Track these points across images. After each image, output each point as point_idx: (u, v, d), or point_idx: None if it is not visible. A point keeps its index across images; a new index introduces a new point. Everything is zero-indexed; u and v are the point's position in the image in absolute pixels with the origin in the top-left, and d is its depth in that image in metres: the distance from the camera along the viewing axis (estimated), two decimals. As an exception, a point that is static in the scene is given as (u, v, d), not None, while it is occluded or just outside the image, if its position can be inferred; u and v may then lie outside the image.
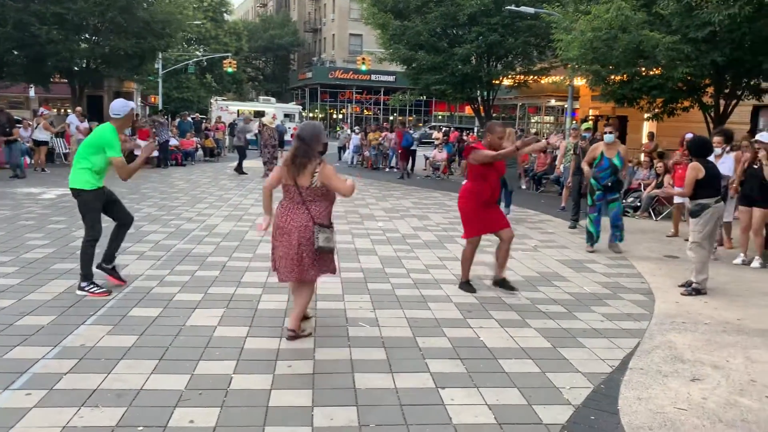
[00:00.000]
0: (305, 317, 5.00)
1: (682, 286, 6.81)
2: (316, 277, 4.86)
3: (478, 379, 4.17)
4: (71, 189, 5.94)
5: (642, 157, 14.96)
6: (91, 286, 5.83)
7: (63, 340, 4.61)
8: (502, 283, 6.54)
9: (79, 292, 5.80)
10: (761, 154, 8.16)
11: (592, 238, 8.92)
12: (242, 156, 19.55)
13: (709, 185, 6.63)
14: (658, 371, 4.45)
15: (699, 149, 6.78)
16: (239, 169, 19.05)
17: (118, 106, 5.98)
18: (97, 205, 5.97)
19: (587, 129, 11.88)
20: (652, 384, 4.22)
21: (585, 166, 9.26)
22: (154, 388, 3.89)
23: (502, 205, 13.16)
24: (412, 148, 22.53)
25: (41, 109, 18.13)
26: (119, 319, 5.15)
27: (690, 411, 3.83)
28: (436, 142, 23.87)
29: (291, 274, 4.75)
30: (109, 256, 6.20)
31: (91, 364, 4.21)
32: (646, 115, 16.35)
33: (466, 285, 6.51)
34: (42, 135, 17.88)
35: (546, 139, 8.00)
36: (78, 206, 6.02)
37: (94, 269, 6.01)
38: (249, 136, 22.55)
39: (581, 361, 4.59)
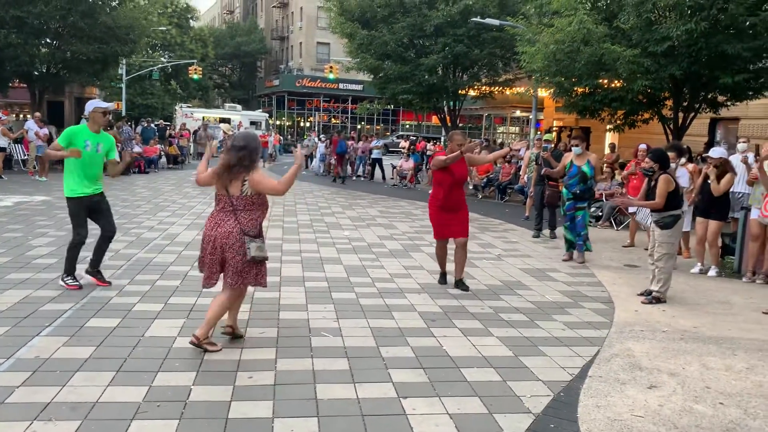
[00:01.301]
0: (236, 335, 4.94)
1: (642, 294, 6.94)
2: (237, 285, 4.70)
3: (440, 389, 4.19)
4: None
5: (604, 167, 15.23)
6: (69, 278, 6.17)
7: (16, 352, 4.48)
8: (457, 283, 6.98)
9: (60, 282, 6.22)
10: (709, 169, 8.39)
11: (572, 246, 9.03)
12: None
13: (678, 196, 6.81)
14: (616, 379, 4.52)
15: (666, 161, 6.91)
16: None
17: (86, 106, 6.27)
18: (80, 212, 6.19)
19: (547, 140, 12.07)
20: (610, 392, 4.29)
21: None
22: (111, 400, 3.81)
23: None
24: (378, 157, 22.62)
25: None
26: (76, 329, 5.03)
27: (647, 418, 3.90)
28: (403, 152, 23.99)
29: (208, 281, 4.74)
30: (94, 262, 6.43)
31: (45, 376, 4.10)
32: (607, 127, 16.68)
33: (441, 277, 7.18)
34: (0, 141, 17.41)
35: (510, 145, 8.26)
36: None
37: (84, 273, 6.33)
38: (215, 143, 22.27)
39: (542, 370, 4.63)
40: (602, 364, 4.83)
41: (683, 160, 9.14)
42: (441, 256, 7.19)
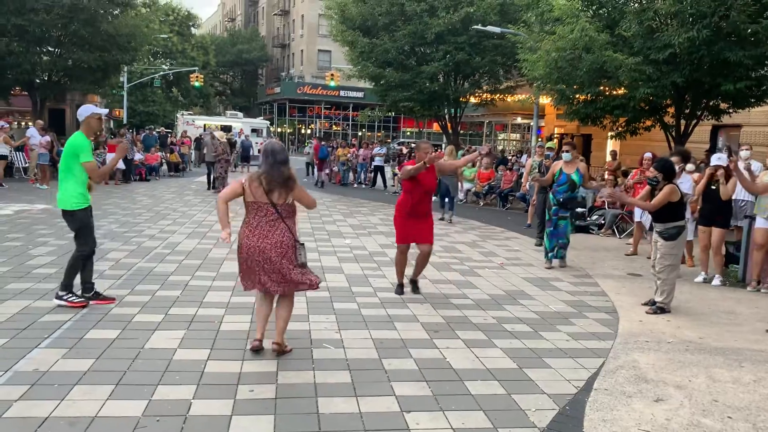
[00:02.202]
0: (283, 350, 4.88)
1: (646, 304, 6.88)
2: (306, 287, 4.90)
3: (444, 402, 4.13)
4: (63, 210, 6.00)
5: (606, 175, 15.19)
6: (70, 295, 5.92)
7: (15, 365, 4.43)
8: (411, 282, 7.13)
9: (55, 301, 5.89)
10: (719, 172, 8.33)
11: (548, 255, 9.01)
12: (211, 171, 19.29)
13: (683, 207, 6.77)
14: (622, 392, 4.46)
15: (672, 172, 6.84)
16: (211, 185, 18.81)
17: (79, 111, 6.10)
18: (90, 221, 6.11)
19: (550, 148, 12.05)
20: (616, 405, 4.23)
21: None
22: (110, 415, 3.75)
23: (446, 209, 13.86)
24: (379, 164, 22.59)
25: (1, 122, 17.61)
26: (75, 341, 4.97)
27: (654, 432, 3.84)
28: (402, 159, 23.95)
29: (279, 286, 4.81)
30: (87, 285, 6.13)
31: (43, 390, 4.05)
32: (609, 134, 16.65)
33: (398, 288, 7.09)
34: (1, 149, 17.39)
35: (479, 150, 8.40)
36: (69, 225, 6.10)
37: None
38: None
39: (547, 382, 4.57)
40: (607, 376, 4.77)
41: (690, 166, 9.08)
42: (400, 263, 7.10)
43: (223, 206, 4.89)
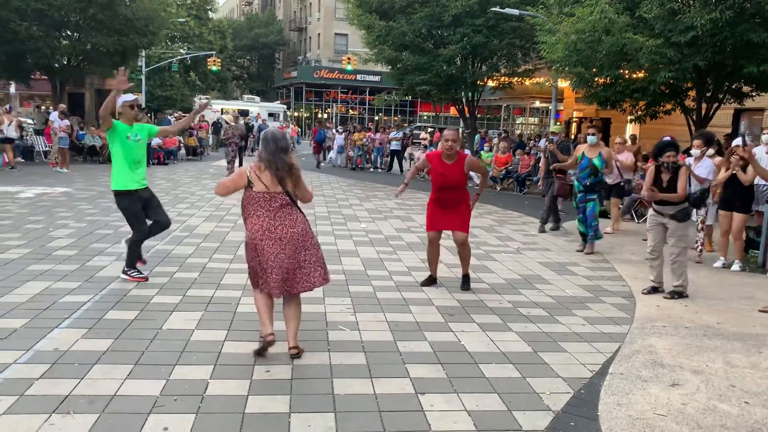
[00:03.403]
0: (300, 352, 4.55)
1: (648, 293, 6.79)
2: (328, 278, 4.70)
3: (459, 385, 4.14)
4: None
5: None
6: (133, 270, 6.28)
7: (36, 344, 4.51)
8: (463, 278, 6.69)
9: (121, 275, 6.32)
10: (734, 158, 8.22)
11: (584, 238, 8.99)
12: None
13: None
14: (638, 376, 4.44)
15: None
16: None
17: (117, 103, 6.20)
18: (134, 207, 6.20)
19: (554, 132, 11.95)
20: (632, 389, 4.21)
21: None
22: (128, 393, 3.81)
23: None
24: (396, 148, 22.54)
25: (8, 106, 17.71)
26: (94, 322, 5.05)
27: (670, 417, 3.82)
28: (424, 143, 23.89)
29: (284, 285, 4.47)
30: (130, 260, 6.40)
31: (63, 369, 4.12)
32: (629, 118, 16.44)
33: (427, 279, 6.75)
34: (11, 133, 17.53)
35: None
36: (121, 210, 6.36)
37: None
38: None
39: (562, 366, 4.57)
40: (623, 360, 4.75)
41: (711, 150, 8.95)
42: (431, 253, 6.67)
43: (222, 194, 4.66)
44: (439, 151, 6.51)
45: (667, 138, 10.00)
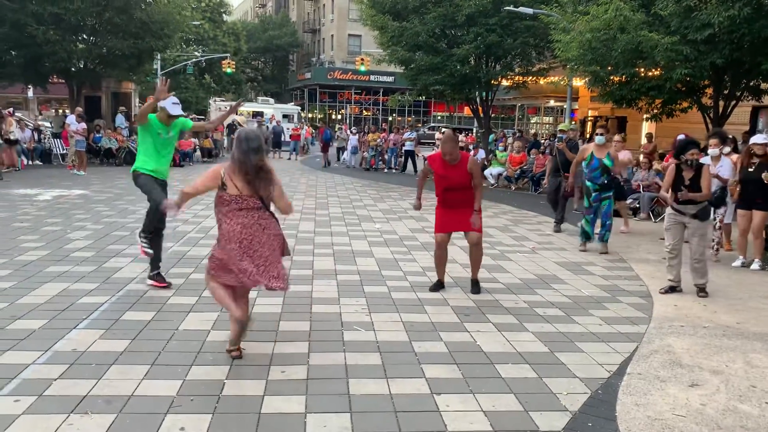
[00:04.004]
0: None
1: (666, 292, 6.74)
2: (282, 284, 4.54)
3: (474, 385, 4.12)
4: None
5: (641, 158, 14.89)
6: (144, 239, 6.16)
7: (54, 345, 4.55)
8: (472, 283, 6.49)
9: (136, 237, 6.33)
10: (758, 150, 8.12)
11: (588, 237, 8.95)
12: None
13: None
14: (656, 376, 4.40)
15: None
16: None
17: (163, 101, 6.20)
18: (150, 182, 6.22)
19: (562, 130, 11.87)
20: (650, 389, 4.17)
21: (572, 170, 9.33)
22: (145, 394, 3.83)
23: None
24: (410, 149, 22.54)
25: (11, 108, 17.81)
26: (112, 323, 5.09)
27: (689, 417, 3.78)
28: (438, 143, 23.83)
29: (270, 281, 4.40)
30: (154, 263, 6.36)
31: (81, 369, 4.15)
32: (644, 116, 16.31)
33: (435, 285, 6.51)
34: (18, 134, 17.65)
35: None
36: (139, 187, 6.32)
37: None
38: None
39: (579, 366, 4.53)
40: (641, 360, 4.70)
41: (727, 149, 8.85)
42: (439, 257, 6.47)
43: (188, 197, 4.59)
44: (439, 152, 6.40)
45: (681, 136, 9.93)
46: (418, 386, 4.08)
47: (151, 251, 6.19)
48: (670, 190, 6.77)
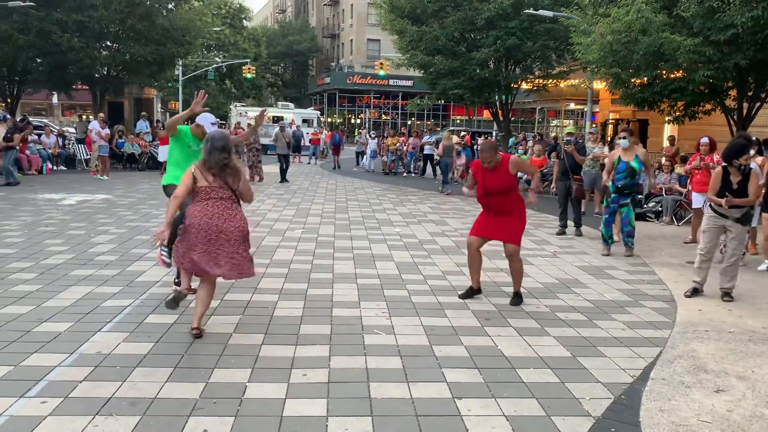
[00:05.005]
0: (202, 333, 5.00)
1: (690, 296, 6.66)
2: (249, 272, 5.06)
3: (496, 390, 4.10)
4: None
5: (663, 160, 14.74)
6: (165, 249, 6.06)
7: (79, 347, 4.61)
8: (514, 295, 6.28)
9: (157, 248, 6.33)
10: None
11: (606, 241, 8.89)
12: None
13: None
14: (680, 382, 4.34)
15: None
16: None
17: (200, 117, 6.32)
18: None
19: (570, 133, 11.79)
20: (674, 395, 4.12)
21: (604, 176, 9.17)
22: (169, 396, 3.87)
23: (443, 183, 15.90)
24: (429, 153, 22.51)
25: (4, 114, 17.89)
26: (135, 326, 5.15)
27: (714, 424, 3.72)
28: (456, 147, 23.78)
29: (231, 270, 4.87)
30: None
31: (106, 371, 4.21)
32: (666, 119, 16.13)
33: (467, 291, 6.36)
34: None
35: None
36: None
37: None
38: (268, 141, 22.95)
39: (601, 371, 4.49)
40: (665, 365, 4.65)
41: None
42: (471, 260, 6.29)
43: (175, 205, 4.85)
44: (477, 161, 6.34)
45: (705, 139, 9.80)
46: (439, 390, 4.07)
47: (169, 261, 6.15)
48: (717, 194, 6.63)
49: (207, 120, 6.15)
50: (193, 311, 5.03)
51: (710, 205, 6.74)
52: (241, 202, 5.04)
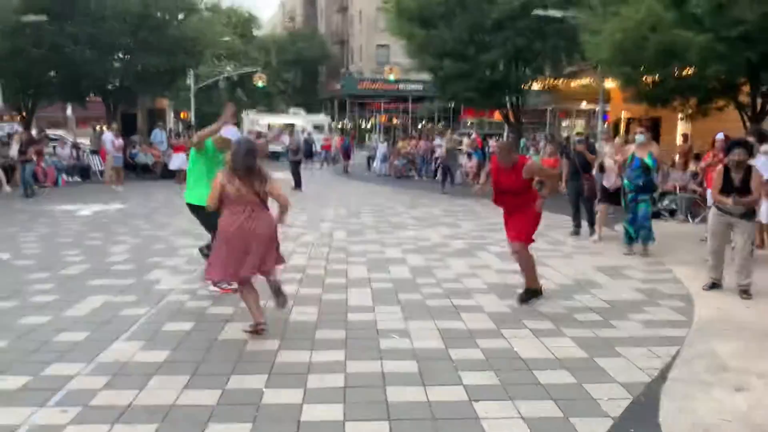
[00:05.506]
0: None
1: (709, 288, 6.68)
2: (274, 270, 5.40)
3: (513, 392, 4.08)
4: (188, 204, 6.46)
5: (677, 158, 14.63)
6: (222, 283, 6.13)
7: (97, 356, 4.65)
8: (523, 293, 6.26)
9: (210, 289, 6.36)
10: None
11: (630, 240, 8.82)
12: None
13: None
14: (700, 381, 4.30)
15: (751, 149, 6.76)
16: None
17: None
18: (206, 216, 6.15)
19: (579, 133, 11.73)
20: (694, 394, 4.08)
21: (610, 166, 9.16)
22: (186, 403, 3.89)
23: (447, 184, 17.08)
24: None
25: (15, 127, 18.06)
26: (152, 334, 5.19)
27: (735, 423, 3.69)
28: (466, 150, 23.77)
29: (263, 266, 5.17)
30: None
31: (124, 380, 4.24)
32: (679, 116, 16.02)
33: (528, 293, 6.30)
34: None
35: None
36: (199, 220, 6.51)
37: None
38: (278, 148, 23.08)
39: (619, 371, 4.46)
40: (684, 365, 4.61)
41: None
42: (519, 263, 6.38)
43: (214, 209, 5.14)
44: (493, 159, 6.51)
45: (720, 135, 9.73)
46: (456, 393, 4.06)
47: (234, 286, 6.09)
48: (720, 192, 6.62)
49: (232, 133, 6.28)
50: (252, 313, 5.15)
51: (714, 203, 6.74)
52: (276, 204, 5.19)
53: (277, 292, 5.37)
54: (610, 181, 9.79)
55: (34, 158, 16.41)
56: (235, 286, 6.22)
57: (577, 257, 8.62)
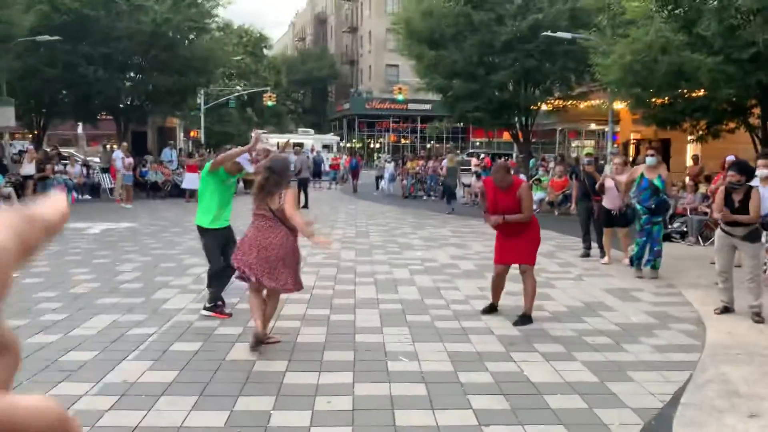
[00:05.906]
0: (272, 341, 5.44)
1: (721, 312, 6.61)
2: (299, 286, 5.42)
3: (523, 416, 4.04)
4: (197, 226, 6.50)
5: (687, 180, 14.58)
6: (214, 307, 6.32)
7: (105, 376, 4.64)
8: (522, 317, 6.25)
9: (203, 312, 6.32)
10: None
11: (640, 262, 8.75)
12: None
13: None
14: (712, 406, 4.24)
15: (752, 172, 6.73)
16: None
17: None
18: (215, 246, 6.40)
19: (589, 154, 11.71)
20: (706, 420, 4.02)
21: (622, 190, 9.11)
22: (194, 425, 3.87)
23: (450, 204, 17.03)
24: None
25: (26, 145, 18.24)
26: (160, 354, 5.17)
27: (749, 450, 3.62)
28: (475, 170, 23.81)
29: (271, 281, 5.22)
30: (214, 296, 6.44)
31: (132, 400, 4.22)
32: (689, 138, 16.00)
33: (488, 308, 6.60)
34: (28, 169, 18.09)
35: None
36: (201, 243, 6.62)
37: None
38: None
39: (630, 396, 4.40)
40: (696, 390, 4.55)
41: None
42: (496, 284, 6.55)
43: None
44: (488, 178, 6.58)
45: (731, 157, 9.71)
46: (465, 417, 4.02)
47: (230, 312, 6.38)
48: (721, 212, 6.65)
49: (244, 157, 6.41)
50: (254, 321, 5.27)
51: (719, 225, 6.75)
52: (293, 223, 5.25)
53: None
54: (611, 202, 9.65)
55: (52, 176, 16.57)
56: (229, 311, 6.36)
57: (588, 279, 8.56)
